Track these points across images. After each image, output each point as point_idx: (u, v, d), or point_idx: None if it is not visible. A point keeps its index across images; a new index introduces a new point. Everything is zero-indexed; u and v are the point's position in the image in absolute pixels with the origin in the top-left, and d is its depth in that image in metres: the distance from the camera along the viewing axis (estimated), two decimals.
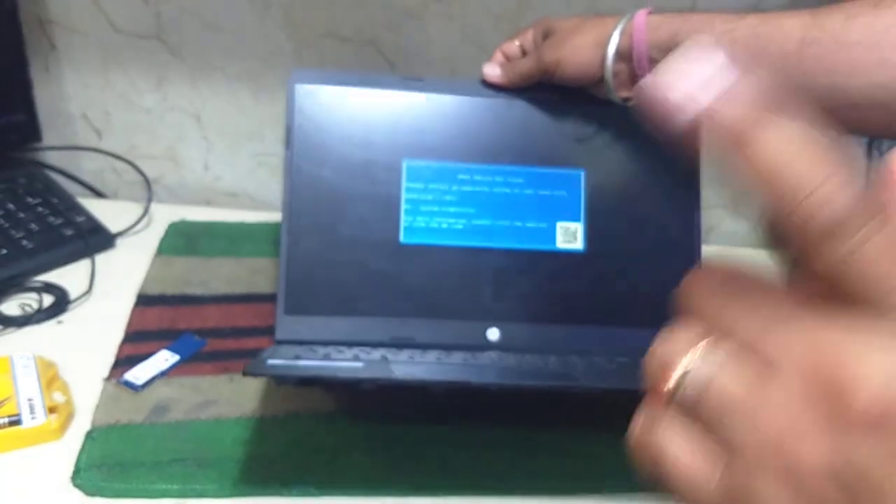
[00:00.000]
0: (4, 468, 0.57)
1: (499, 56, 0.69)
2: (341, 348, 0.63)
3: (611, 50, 0.61)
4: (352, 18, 0.85)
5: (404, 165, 0.67)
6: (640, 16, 0.60)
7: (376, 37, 0.86)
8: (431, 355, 0.63)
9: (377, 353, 0.62)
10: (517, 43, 0.69)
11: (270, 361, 0.54)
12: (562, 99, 0.68)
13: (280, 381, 0.63)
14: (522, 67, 0.67)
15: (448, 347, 0.64)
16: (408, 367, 0.57)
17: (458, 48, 0.85)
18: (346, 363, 0.57)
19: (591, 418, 0.65)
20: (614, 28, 0.61)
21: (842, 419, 0.18)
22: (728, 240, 0.96)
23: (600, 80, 0.63)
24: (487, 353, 0.66)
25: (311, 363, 0.57)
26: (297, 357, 0.58)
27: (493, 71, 0.68)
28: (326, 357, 0.60)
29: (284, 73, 0.85)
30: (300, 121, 0.67)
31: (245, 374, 0.51)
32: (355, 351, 0.62)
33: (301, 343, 0.65)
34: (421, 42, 0.85)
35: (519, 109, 0.69)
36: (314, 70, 0.68)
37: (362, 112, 0.67)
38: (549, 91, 0.67)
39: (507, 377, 0.59)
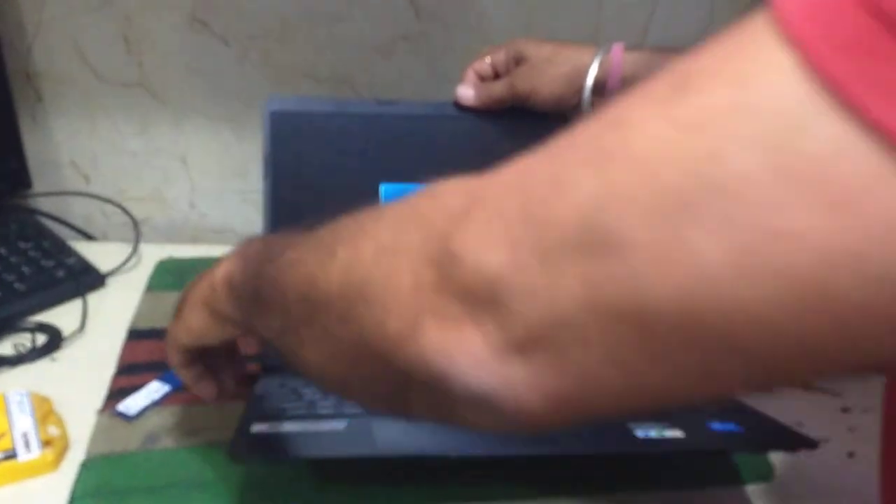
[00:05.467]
0: (1, 502, 0.59)
1: (471, 75, 0.70)
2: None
3: (589, 81, 0.62)
4: (326, 59, 0.89)
5: (382, 189, 0.69)
6: (617, 52, 0.62)
7: (350, 75, 0.89)
8: None
9: None
10: (488, 61, 0.70)
11: (256, 427, 0.55)
12: (533, 118, 0.68)
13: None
14: (495, 92, 0.68)
15: None
16: (389, 429, 0.56)
17: (426, 83, 0.89)
18: (329, 424, 0.57)
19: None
20: (591, 61, 0.62)
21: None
22: None
23: (573, 107, 0.64)
24: None
25: (293, 429, 0.57)
26: (281, 415, 0.59)
27: (466, 92, 0.69)
28: (311, 409, 0.60)
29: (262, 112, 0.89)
30: (276, 148, 0.68)
31: (230, 454, 0.53)
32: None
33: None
34: (391, 79, 0.89)
35: (492, 129, 0.70)
36: (288, 97, 0.69)
37: (338, 137, 0.68)
38: (521, 110, 0.68)
39: (484, 446, 0.57)
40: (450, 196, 0.31)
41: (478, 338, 0.28)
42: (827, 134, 0.21)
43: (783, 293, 0.22)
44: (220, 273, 0.50)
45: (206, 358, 0.59)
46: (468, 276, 0.28)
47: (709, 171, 0.23)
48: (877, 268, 0.21)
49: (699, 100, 0.23)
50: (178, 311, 0.58)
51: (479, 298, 0.28)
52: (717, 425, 0.58)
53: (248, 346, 0.67)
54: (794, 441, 0.57)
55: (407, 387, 0.32)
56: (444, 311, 0.29)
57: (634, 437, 0.55)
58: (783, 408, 0.63)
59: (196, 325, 0.54)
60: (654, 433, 0.56)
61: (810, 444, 0.56)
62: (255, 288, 0.44)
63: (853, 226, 0.21)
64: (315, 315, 0.36)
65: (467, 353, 0.28)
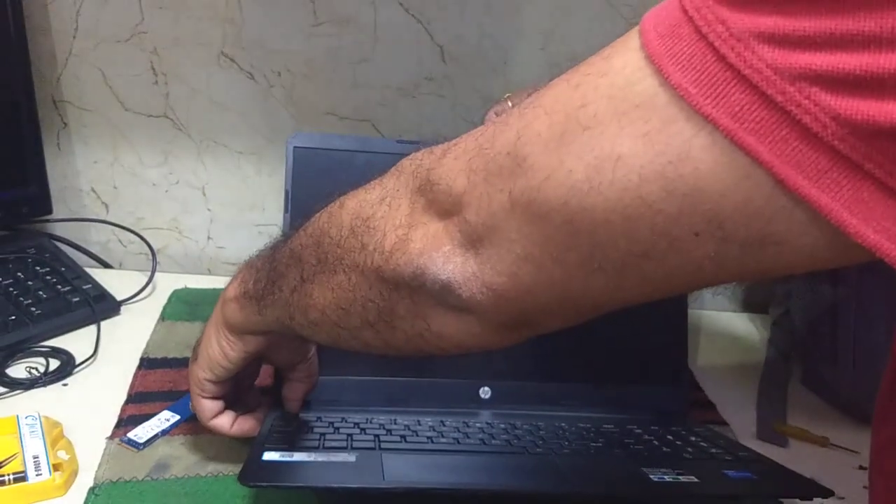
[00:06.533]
0: None
1: (493, 118, 0.72)
2: (336, 423, 0.65)
3: None
4: (350, 98, 0.90)
5: None
6: None
7: (372, 115, 0.91)
8: (425, 426, 0.65)
9: (374, 425, 0.64)
10: (510, 104, 0.71)
11: (268, 455, 0.56)
12: None
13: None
14: None
15: (443, 406, 0.67)
16: (398, 462, 0.57)
17: (448, 124, 0.90)
18: (339, 456, 0.57)
19: None
20: None
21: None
22: (711, 305, 1.00)
23: None
24: (481, 414, 0.68)
25: (304, 458, 0.57)
26: (292, 445, 0.59)
27: None
28: (322, 441, 0.61)
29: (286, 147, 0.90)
30: (297, 183, 0.69)
31: (241, 479, 0.53)
32: (350, 427, 0.64)
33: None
34: (413, 119, 0.90)
35: None
36: (312, 134, 0.72)
37: (359, 174, 0.69)
38: None
39: (494, 480, 0.58)
40: (437, 147, 0.41)
41: (447, 239, 0.38)
42: (645, 89, 0.30)
43: (618, 202, 0.31)
44: (229, 293, 0.56)
45: (226, 392, 0.61)
46: (442, 196, 0.38)
47: (579, 114, 0.32)
48: (674, 184, 0.30)
49: (584, 68, 0.34)
50: (194, 354, 0.60)
51: (449, 212, 0.38)
52: (732, 473, 0.58)
53: (263, 379, 0.68)
54: (808, 489, 0.56)
55: (394, 299, 0.41)
56: (427, 224, 0.39)
57: (648, 480, 0.55)
58: (800, 464, 0.62)
59: (216, 352, 0.56)
60: (668, 478, 0.55)
61: (825, 492, 0.56)
62: (270, 270, 0.51)
63: (657, 151, 0.30)
64: (327, 255, 0.45)
65: (439, 250, 0.38)
